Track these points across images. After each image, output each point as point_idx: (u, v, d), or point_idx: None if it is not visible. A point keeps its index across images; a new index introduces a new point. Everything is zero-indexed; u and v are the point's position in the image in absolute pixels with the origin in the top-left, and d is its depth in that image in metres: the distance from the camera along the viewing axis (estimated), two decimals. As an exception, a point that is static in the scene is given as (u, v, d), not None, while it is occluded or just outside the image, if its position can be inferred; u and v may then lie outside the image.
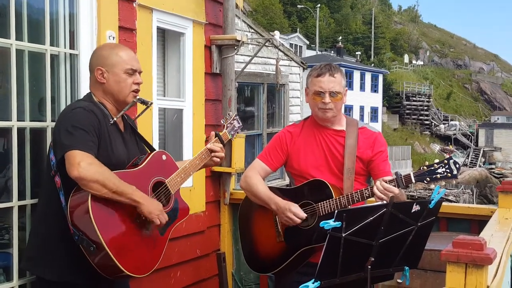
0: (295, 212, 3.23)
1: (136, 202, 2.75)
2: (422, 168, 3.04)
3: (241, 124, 3.59)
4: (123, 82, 2.95)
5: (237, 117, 3.56)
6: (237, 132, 3.56)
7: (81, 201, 2.67)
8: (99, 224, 2.62)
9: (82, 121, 2.74)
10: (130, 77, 2.97)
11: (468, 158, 50.76)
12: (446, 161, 3.00)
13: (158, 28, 4.25)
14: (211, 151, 3.28)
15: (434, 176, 3.00)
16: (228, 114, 3.56)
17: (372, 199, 3.23)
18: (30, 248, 2.95)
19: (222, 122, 3.48)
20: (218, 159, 3.32)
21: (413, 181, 3.05)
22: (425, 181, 3.04)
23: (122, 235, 2.75)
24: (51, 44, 3.35)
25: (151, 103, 3.13)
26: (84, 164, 2.60)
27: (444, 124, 60.06)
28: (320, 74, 3.29)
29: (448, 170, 2.99)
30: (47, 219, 2.87)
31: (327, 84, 3.27)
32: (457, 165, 2.99)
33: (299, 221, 3.23)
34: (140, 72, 3.04)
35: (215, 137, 3.33)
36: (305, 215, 3.24)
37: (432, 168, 3.01)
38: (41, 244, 2.86)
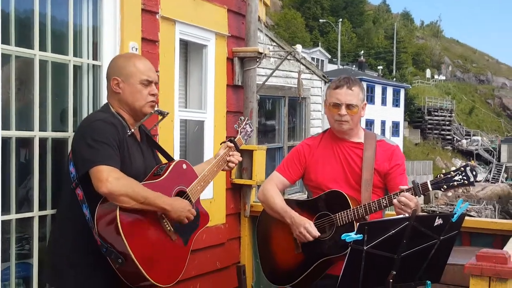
0: (309, 230, 3.21)
1: (164, 209, 2.77)
2: (439, 176, 3.03)
3: (252, 128, 3.63)
4: (139, 93, 2.93)
5: (249, 121, 3.59)
6: (250, 137, 3.59)
7: (108, 212, 2.67)
8: (127, 236, 2.61)
9: (103, 134, 2.73)
10: (146, 88, 2.95)
11: (490, 174, 50.16)
12: (462, 169, 2.98)
13: (181, 40, 4.27)
14: (229, 160, 3.32)
15: (451, 183, 2.98)
16: (240, 119, 3.57)
17: (392, 212, 3.19)
18: (50, 262, 2.94)
19: (236, 128, 3.50)
20: (234, 165, 3.36)
21: (430, 189, 3.02)
22: (442, 189, 3.01)
23: (149, 246, 2.75)
24: (74, 55, 3.38)
25: (167, 113, 3.13)
26: (112, 179, 2.60)
27: (466, 139, 59.49)
28: (338, 86, 3.30)
29: (465, 177, 2.96)
30: (67, 232, 2.85)
31: (344, 96, 3.27)
32: (474, 172, 2.97)
33: (311, 238, 3.21)
34: (156, 83, 3.03)
35: (231, 144, 3.35)
36: (318, 234, 3.22)
37: (449, 175, 2.99)
38: (62, 258, 2.83)
